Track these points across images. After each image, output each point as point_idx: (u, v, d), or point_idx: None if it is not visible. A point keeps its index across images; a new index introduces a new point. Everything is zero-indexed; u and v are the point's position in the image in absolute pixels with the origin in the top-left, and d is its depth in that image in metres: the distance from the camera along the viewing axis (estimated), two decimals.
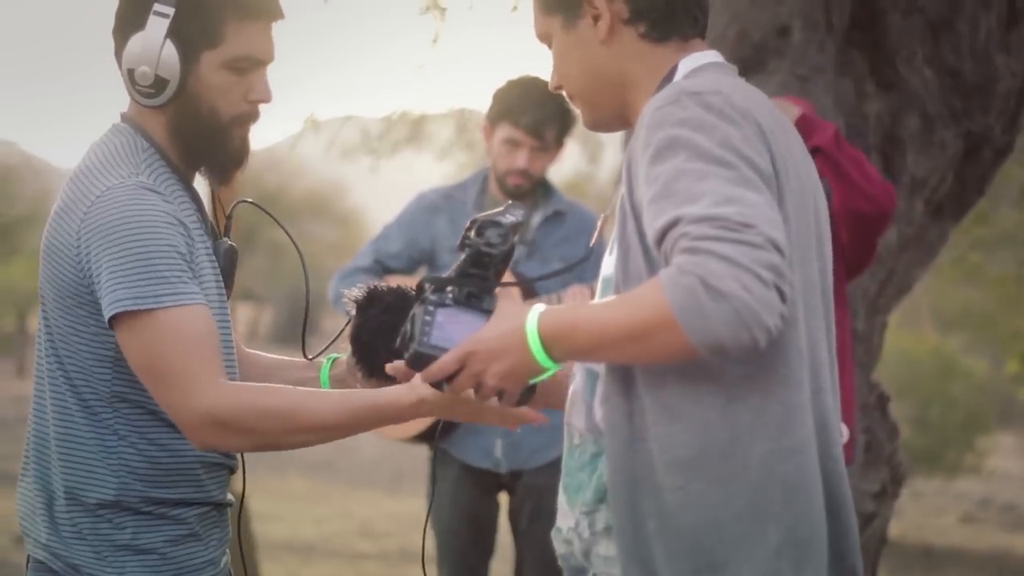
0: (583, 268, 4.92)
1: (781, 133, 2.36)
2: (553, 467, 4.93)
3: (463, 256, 2.38)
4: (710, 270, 2.09)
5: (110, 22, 2.68)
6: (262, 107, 2.68)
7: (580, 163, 11.73)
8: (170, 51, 2.56)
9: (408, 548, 13.13)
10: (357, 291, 2.76)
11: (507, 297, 2.42)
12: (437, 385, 2.38)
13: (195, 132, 2.63)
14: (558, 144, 5.00)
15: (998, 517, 28.53)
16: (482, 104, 10.73)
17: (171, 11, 2.55)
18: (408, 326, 2.38)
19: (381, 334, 2.72)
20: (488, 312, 2.36)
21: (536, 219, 5.01)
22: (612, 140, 11.04)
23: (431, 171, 12.29)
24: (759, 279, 2.09)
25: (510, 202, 2.47)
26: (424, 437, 5.01)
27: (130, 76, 2.61)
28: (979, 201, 6.09)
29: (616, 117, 2.57)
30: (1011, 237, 11.97)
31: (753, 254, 2.09)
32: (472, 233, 2.37)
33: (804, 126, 4.30)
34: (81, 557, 2.60)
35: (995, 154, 5.75)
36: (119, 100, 2.72)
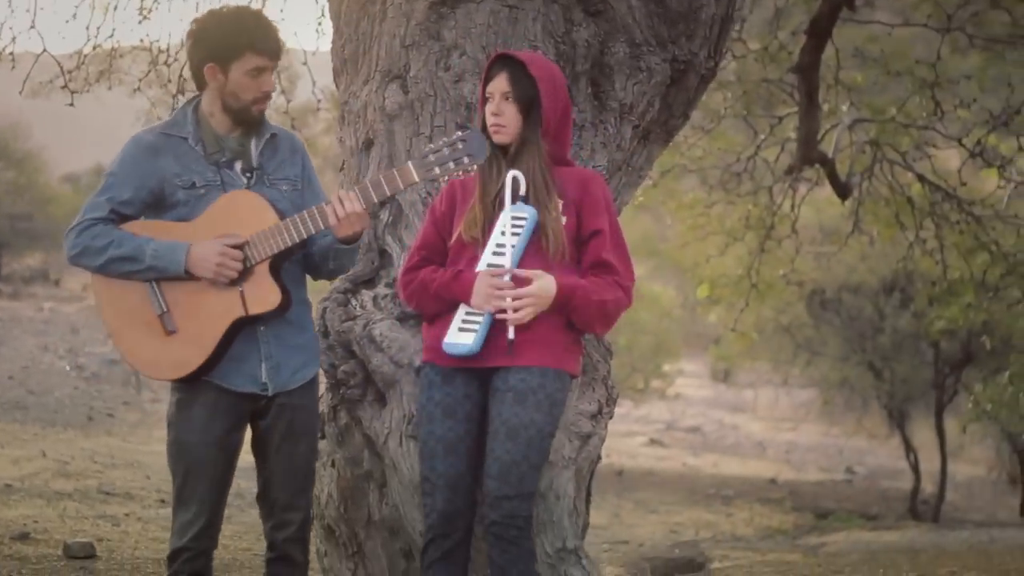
0: (302, 186, 5.04)
1: None
2: (307, 386, 4.94)
3: None
4: None
5: None
6: None
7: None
8: None
9: (106, 485, 12.93)
10: None
11: None
12: None
13: None
14: None
15: (683, 440, 29.58)
16: (176, 40, 10.44)
17: None
18: None
19: None
20: None
21: (255, 145, 5.00)
22: (303, 72, 10.90)
23: (124, 107, 11.96)
24: None
25: None
26: (198, 374, 4.94)
27: None
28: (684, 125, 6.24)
29: None
30: (699, 164, 12.32)
31: None
32: None
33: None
34: None
35: (700, 80, 5.90)
36: None
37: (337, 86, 6.02)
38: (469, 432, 4.85)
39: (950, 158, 11.93)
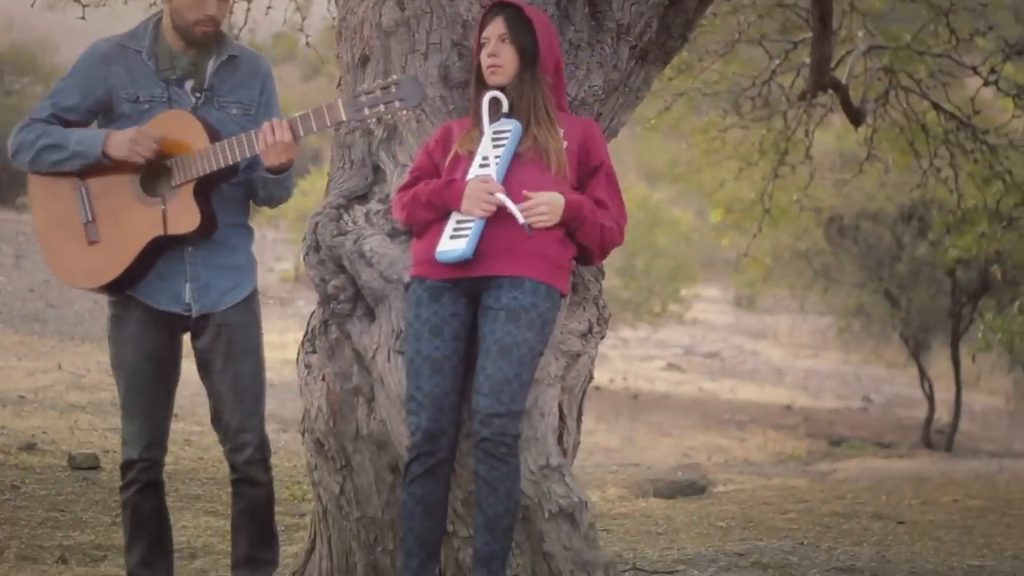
0: (256, 110, 5.09)
1: None
2: (242, 306, 5.02)
3: None
4: None
5: None
6: None
7: (289, 13, 11.52)
8: None
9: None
10: None
11: None
12: None
13: None
14: None
15: (701, 365, 29.59)
16: None
17: None
18: None
19: None
20: None
21: (211, 65, 5.03)
22: None
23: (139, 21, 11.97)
24: None
25: None
26: (112, 287, 5.00)
27: None
28: (683, 49, 6.21)
29: None
30: (714, 88, 12.25)
31: None
32: None
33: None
34: None
35: (699, 1, 5.87)
36: None
37: (336, 2, 6.01)
38: (456, 351, 4.92)
39: (973, 87, 11.83)
